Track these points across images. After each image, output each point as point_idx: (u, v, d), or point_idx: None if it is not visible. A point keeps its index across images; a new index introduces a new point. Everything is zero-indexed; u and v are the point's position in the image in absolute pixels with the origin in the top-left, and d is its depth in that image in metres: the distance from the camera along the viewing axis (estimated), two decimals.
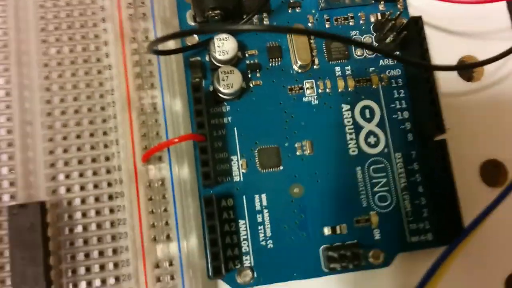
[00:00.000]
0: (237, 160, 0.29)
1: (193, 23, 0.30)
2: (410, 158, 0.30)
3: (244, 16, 0.30)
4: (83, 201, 0.27)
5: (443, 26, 0.32)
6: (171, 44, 0.29)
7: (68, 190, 0.27)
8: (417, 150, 0.30)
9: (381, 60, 0.31)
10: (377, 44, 0.31)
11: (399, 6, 0.32)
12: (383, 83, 0.31)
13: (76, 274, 0.26)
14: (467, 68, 0.31)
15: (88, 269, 0.26)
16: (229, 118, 0.29)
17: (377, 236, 0.28)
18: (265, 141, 0.29)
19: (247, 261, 0.28)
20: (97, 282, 0.26)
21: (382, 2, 0.31)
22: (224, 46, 0.29)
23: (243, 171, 0.29)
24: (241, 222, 0.28)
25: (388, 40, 0.30)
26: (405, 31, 0.30)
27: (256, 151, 0.29)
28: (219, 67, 0.29)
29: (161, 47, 0.28)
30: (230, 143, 0.29)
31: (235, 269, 0.27)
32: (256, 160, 0.29)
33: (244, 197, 0.28)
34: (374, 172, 0.29)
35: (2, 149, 0.27)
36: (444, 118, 0.28)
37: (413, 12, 0.31)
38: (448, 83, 0.31)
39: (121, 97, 0.28)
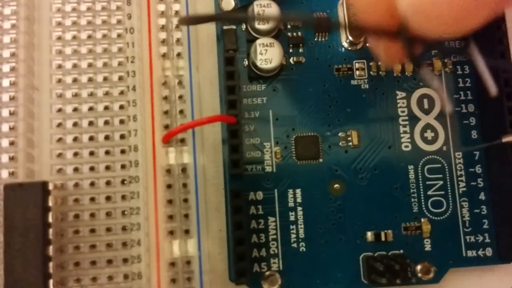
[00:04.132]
0: (271, 147, 0.26)
1: None
2: (473, 159, 0.27)
3: None
4: (92, 184, 0.25)
5: None
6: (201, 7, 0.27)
7: (76, 170, 0.25)
8: (481, 150, 0.27)
9: (446, 42, 0.28)
10: None
11: None
12: (446, 69, 0.28)
13: (80, 267, 0.24)
14: None
15: (93, 263, 0.24)
16: (264, 99, 0.27)
17: (427, 247, 0.26)
18: (303, 128, 0.27)
19: (275, 264, 0.25)
20: (103, 279, 0.24)
21: None
22: (264, 14, 0.26)
23: (277, 161, 0.26)
24: (271, 219, 0.26)
25: None
26: None
27: (292, 139, 0.26)
28: (257, 38, 0.26)
29: (191, 10, 0.26)
30: (264, 128, 0.27)
31: (261, 273, 0.25)
32: (292, 149, 0.26)
33: (276, 191, 0.26)
34: (429, 173, 0.27)
35: (3, 118, 0.24)
36: None
37: None
38: None
39: (142, 67, 0.26)
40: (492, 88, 0.17)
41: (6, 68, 0.25)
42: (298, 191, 0.26)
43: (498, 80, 0.25)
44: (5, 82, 0.25)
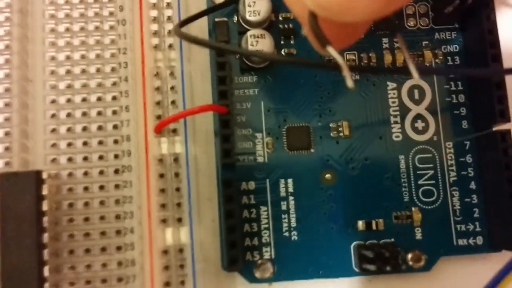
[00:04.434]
0: (262, 138, 0.26)
1: None
2: (463, 149, 0.27)
3: None
4: (85, 174, 0.25)
5: None
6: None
7: (70, 160, 0.25)
8: (472, 140, 0.27)
9: (437, 33, 0.28)
10: (433, 15, 0.28)
11: None
12: (437, 60, 0.28)
13: (74, 255, 0.24)
14: None
15: (87, 250, 0.24)
16: (256, 90, 0.27)
17: (418, 235, 0.26)
18: (295, 119, 0.27)
19: (267, 253, 0.25)
20: (97, 266, 0.24)
21: None
22: (256, 5, 0.26)
23: (268, 151, 0.26)
24: (263, 209, 0.26)
25: (447, 10, 0.27)
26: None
27: (284, 129, 0.27)
28: (248, 30, 0.26)
29: (183, 2, 0.27)
30: (255, 119, 0.27)
31: (254, 261, 0.25)
32: (284, 140, 0.26)
33: (267, 181, 0.26)
34: (420, 163, 0.27)
35: None
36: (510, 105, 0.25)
37: None
38: None
39: (134, 58, 0.26)
40: (413, 71, 0.17)
41: (0, 60, 0.25)
42: (290, 181, 0.26)
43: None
44: (0, 74, 0.25)
